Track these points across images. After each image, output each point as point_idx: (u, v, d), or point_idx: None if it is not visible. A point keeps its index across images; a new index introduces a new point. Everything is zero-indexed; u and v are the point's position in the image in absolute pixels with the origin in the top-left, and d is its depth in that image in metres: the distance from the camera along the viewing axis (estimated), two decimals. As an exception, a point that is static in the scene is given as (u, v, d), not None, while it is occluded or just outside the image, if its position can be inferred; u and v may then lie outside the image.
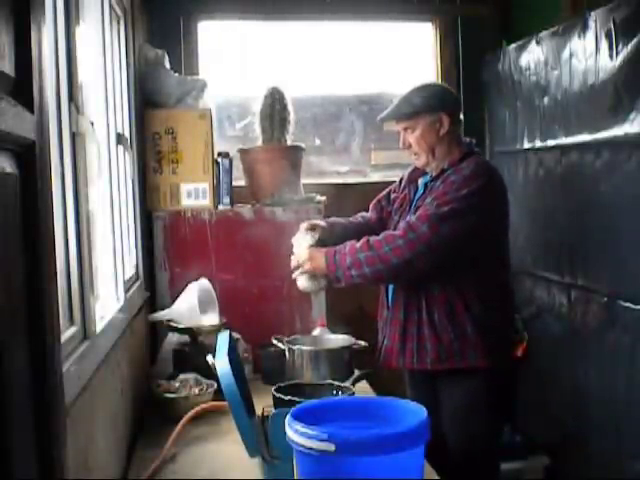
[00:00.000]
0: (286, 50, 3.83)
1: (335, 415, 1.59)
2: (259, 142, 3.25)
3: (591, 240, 2.89)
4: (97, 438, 1.67)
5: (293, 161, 3.24)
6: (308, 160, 3.64)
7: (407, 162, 2.64)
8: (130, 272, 2.60)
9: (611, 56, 2.66)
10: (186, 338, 2.66)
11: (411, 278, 2.36)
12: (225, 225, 3.00)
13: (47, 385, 1.00)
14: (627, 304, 2.64)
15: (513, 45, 3.53)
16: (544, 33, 3.22)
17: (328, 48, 3.89)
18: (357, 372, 2.47)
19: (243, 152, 3.28)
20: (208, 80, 3.19)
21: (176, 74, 3.14)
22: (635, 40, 2.53)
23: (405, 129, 2.45)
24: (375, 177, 3.91)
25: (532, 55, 3.33)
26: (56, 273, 1.14)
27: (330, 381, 2.20)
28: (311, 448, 1.39)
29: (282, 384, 2.12)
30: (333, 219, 2.69)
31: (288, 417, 1.48)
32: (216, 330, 2.47)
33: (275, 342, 2.64)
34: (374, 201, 2.74)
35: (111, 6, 2.42)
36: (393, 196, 2.66)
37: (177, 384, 2.41)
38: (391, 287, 2.47)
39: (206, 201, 3.02)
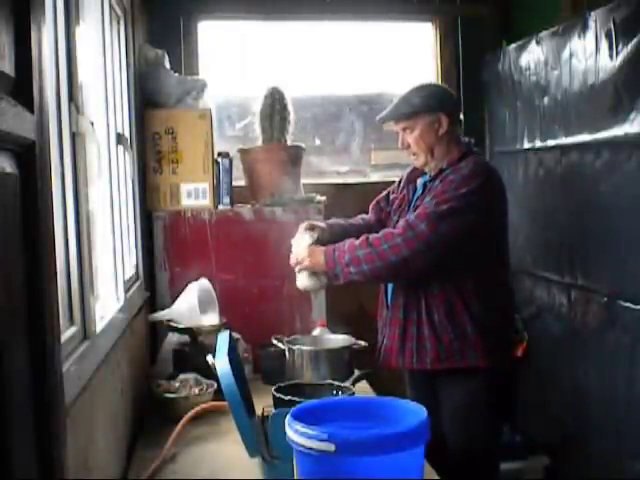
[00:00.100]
0: (286, 50, 3.83)
1: (335, 415, 1.59)
2: (259, 142, 3.25)
3: (591, 240, 2.89)
4: (97, 438, 1.67)
5: (293, 161, 3.24)
6: (308, 160, 3.64)
7: (407, 162, 2.65)
8: (130, 272, 2.60)
9: (611, 56, 2.66)
10: (186, 338, 2.66)
11: (410, 276, 2.36)
12: (225, 225, 3.00)
13: (47, 385, 1.00)
14: (627, 304, 2.64)
15: (513, 45, 3.53)
16: (544, 33, 3.22)
17: (328, 48, 3.89)
18: (357, 372, 2.47)
19: (243, 152, 3.28)
20: (208, 80, 3.19)
21: (176, 74, 3.14)
22: (635, 40, 2.53)
23: (404, 129, 2.46)
24: (375, 177, 3.91)
25: (532, 55, 3.33)
26: (56, 273, 1.14)
27: (330, 381, 2.20)
28: (311, 448, 1.39)
29: (282, 384, 2.12)
30: (332, 220, 2.70)
31: (288, 417, 1.48)
32: (216, 330, 2.47)
33: (275, 342, 2.65)
34: (373, 202, 2.74)
35: (111, 6, 2.42)
36: (392, 197, 2.66)
37: (177, 384, 2.41)
38: (390, 287, 2.47)
39: (206, 201, 3.02)
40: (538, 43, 3.27)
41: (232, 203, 3.06)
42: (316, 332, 2.75)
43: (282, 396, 1.99)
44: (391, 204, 2.64)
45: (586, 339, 2.94)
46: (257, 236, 3.01)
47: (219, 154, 3.11)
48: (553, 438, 3.28)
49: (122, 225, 2.45)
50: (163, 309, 2.77)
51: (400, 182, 2.65)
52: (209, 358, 1.85)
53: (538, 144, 3.30)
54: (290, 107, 3.22)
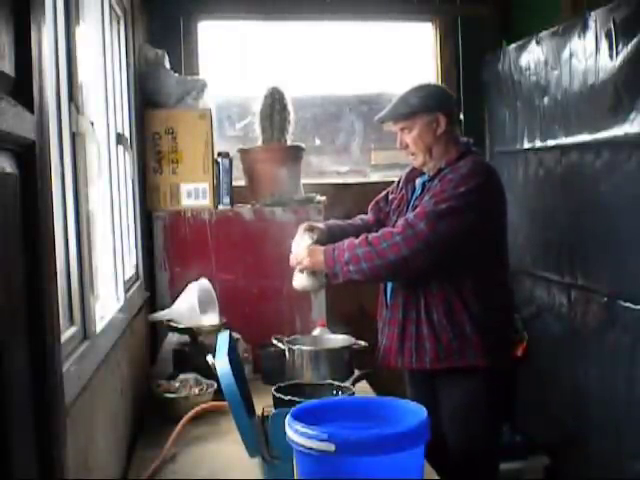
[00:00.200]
0: (286, 50, 3.83)
1: (335, 415, 1.59)
2: (259, 142, 3.25)
3: (591, 240, 2.89)
4: (97, 438, 1.67)
5: (293, 161, 3.24)
6: (308, 160, 3.64)
7: (407, 162, 2.64)
8: (130, 272, 2.60)
9: (611, 56, 2.66)
10: (186, 338, 2.66)
11: (409, 275, 2.36)
12: (225, 225, 3.00)
13: (47, 385, 1.00)
14: (627, 304, 2.64)
15: (513, 45, 3.53)
16: (544, 33, 3.22)
17: (328, 48, 3.89)
18: (357, 372, 2.47)
19: (243, 152, 3.28)
20: (208, 80, 3.19)
21: (176, 74, 3.14)
22: (635, 40, 2.53)
23: (402, 129, 2.46)
24: (375, 177, 3.91)
25: (532, 55, 3.33)
26: (56, 273, 1.14)
27: (330, 381, 2.20)
28: (311, 448, 1.39)
29: (282, 384, 2.12)
30: (331, 221, 2.70)
31: (288, 417, 1.48)
32: (216, 330, 2.47)
33: (275, 342, 2.64)
34: (372, 203, 2.74)
35: (111, 6, 2.42)
36: (391, 197, 2.66)
37: (177, 384, 2.41)
38: (390, 286, 2.47)
39: (206, 201, 3.02)
40: (538, 43, 3.27)
41: (232, 203, 3.06)
42: (316, 332, 2.75)
43: (282, 396, 1.99)
44: (390, 204, 2.64)
45: (586, 339, 2.94)
46: (257, 236, 3.01)
47: (219, 154, 3.11)
48: (553, 438, 3.28)
49: (122, 225, 2.45)
50: (163, 309, 2.77)
51: (399, 182, 2.65)
52: (209, 358, 1.85)
53: (538, 144, 3.30)
54: (290, 107, 3.22)
